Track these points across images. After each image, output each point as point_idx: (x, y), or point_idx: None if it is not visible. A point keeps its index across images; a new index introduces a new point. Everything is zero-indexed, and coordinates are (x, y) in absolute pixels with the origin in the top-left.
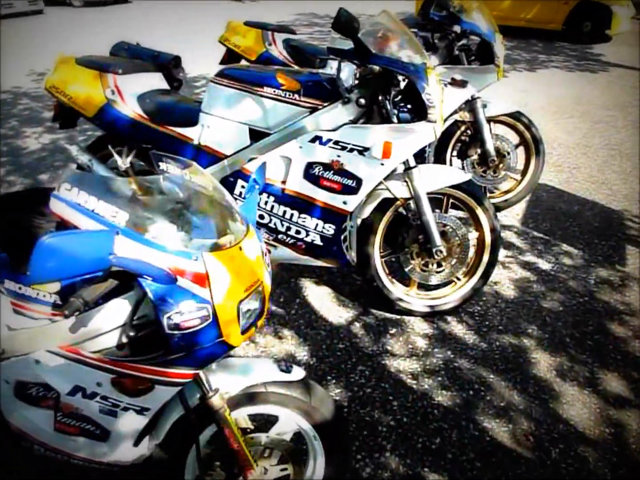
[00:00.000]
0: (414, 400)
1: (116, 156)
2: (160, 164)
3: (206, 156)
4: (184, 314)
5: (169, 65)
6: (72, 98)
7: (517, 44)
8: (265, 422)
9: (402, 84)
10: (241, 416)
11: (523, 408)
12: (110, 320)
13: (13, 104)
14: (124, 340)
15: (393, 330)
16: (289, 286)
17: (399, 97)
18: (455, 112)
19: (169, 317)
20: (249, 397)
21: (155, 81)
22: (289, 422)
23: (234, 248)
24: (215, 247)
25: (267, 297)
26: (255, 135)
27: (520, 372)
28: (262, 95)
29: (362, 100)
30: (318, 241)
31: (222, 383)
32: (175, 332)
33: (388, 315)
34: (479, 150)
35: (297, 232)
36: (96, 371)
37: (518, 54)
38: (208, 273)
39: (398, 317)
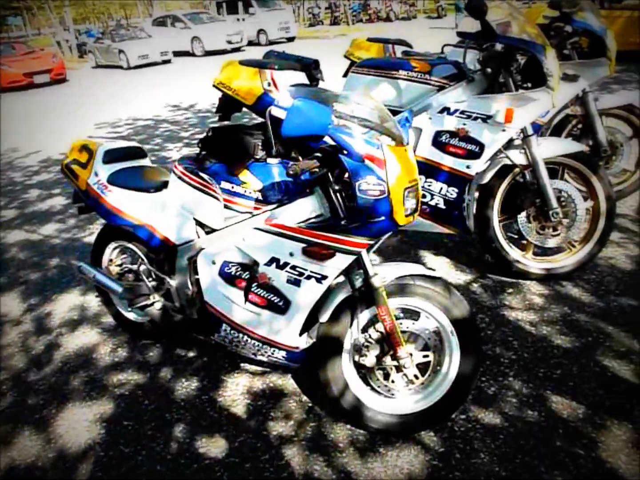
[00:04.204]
0: (533, 342)
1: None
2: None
3: None
4: (369, 185)
5: (310, 67)
6: (236, 90)
7: (628, 67)
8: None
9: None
10: (392, 306)
11: None
12: (296, 215)
13: (155, 127)
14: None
15: (510, 290)
16: (409, 255)
17: (518, 75)
18: (566, 106)
19: (359, 185)
20: (400, 287)
21: (302, 79)
22: (431, 317)
23: (402, 147)
24: (390, 144)
25: (420, 198)
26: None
27: None
28: (396, 78)
29: (489, 70)
30: (441, 205)
31: (380, 271)
32: (363, 196)
33: (504, 278)
34: (590, 143)
35: (423, 196)
36: (291, 242)
37: (629, 75)
38: (385, 159)
39: (514, 280)
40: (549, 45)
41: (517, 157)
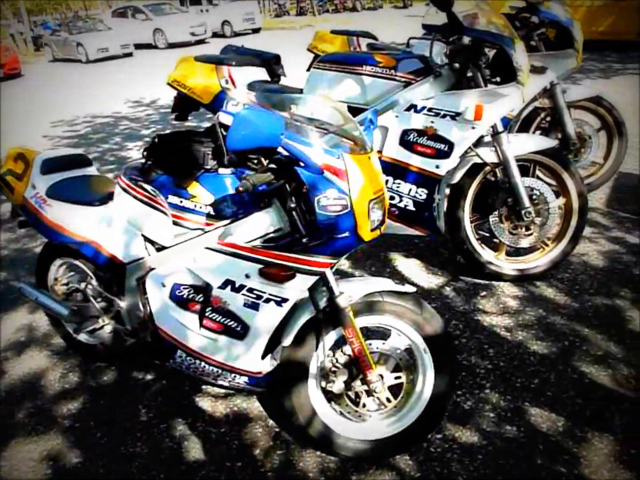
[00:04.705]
0: (509, 349)
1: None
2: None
3: None
4: (330, 199)
5: (271, 62)
6: (191, 89)
7: (590, 56)
8: (380, 336)
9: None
10: (361, 325)
11: (622, 357)
12: (253, 230)
13: (115, 125)
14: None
15: (483, 293)
16: (379, 258)
17: (487, 69)
18: (535, 99)
19: (318, 200)
20: (368, 305)
21: (262, 75)
22: (402, 335)
23: (365, 155)
24: (352, 152)
25: (386, 209)
26: (354, 112)
27: (615, 327)
28: (360, 74)
29: (456, 65)
30: (411, 206)
31: (346, 289)
32: (324, 212)
33: (477, 280)
34: (559, 136)
35: (391, 197)
36: (247, 263)
37: (591, 64)
38: (347, 170)
39: (487, 282)
40: (518, 38)
41: (488, 155)
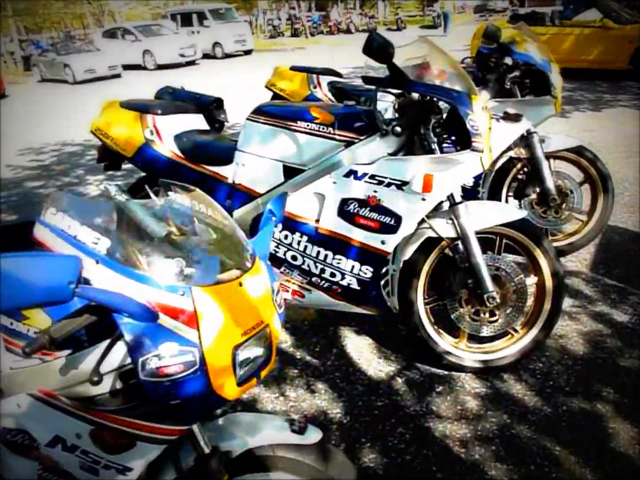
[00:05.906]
0: (461, 473)
1: (153, 197)
2: (169, 193)
3: (240, 195)
4: (164, 359)
5: (210, 107)
6: (114, 139)
7: (579, 85)
8: None
9: (444, 115)
10: None
11: None
12: (106, 361)
13: (82, 155)
14: (117, 386)
15: (440, 388)
16: (326, 334)
17: (441, 128)
18: (510, 148)
19: (144, 361)
20: (252, 461)
21: (197, 123)
22: None
23: (232, 283)
24: (211, 282)
25: (275, 343)
26: (290, 172)
27: (594, 445)
28: (296, 130)
29: (398, 129)
30: (355, 285)
31: (222, 442)
32: (152, 379)
33: (435, 370)
34: (537, 189)
35: (332, 274)
36: (76, 421)
37: (580, 95)
38: (197, 311)
39: (446, 373)
40: (476, 92)
41: (444, 228)
